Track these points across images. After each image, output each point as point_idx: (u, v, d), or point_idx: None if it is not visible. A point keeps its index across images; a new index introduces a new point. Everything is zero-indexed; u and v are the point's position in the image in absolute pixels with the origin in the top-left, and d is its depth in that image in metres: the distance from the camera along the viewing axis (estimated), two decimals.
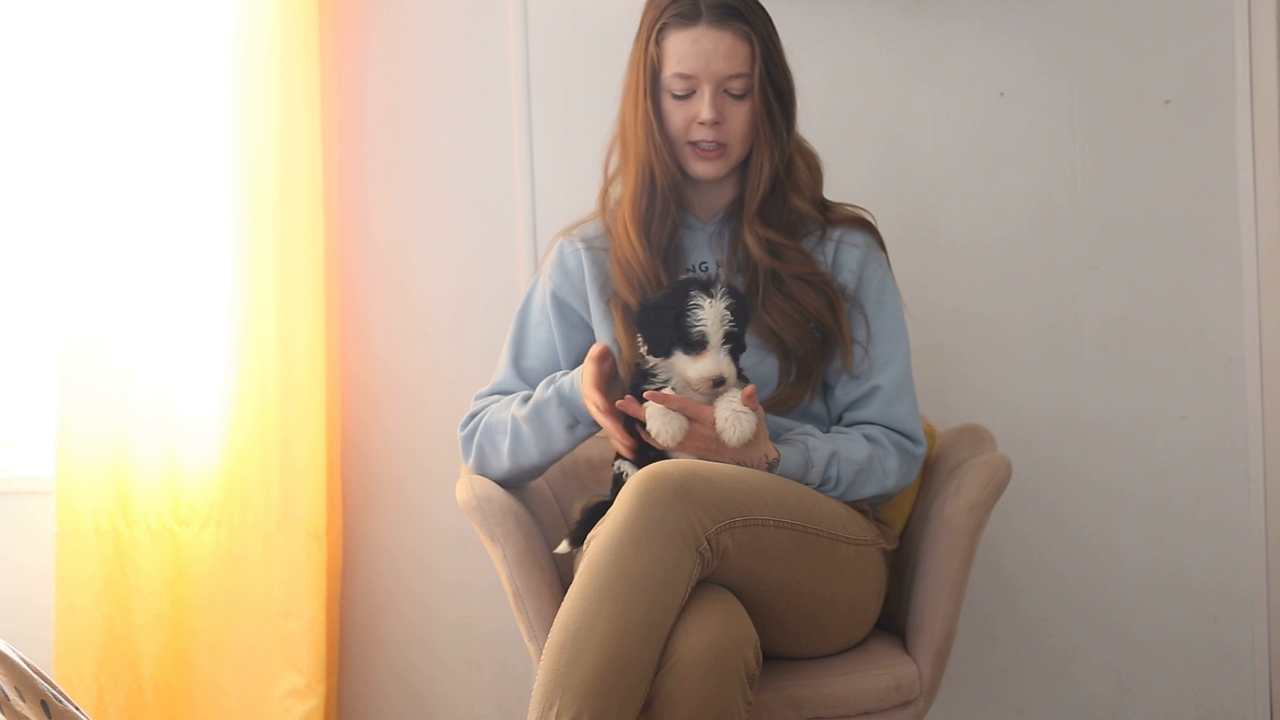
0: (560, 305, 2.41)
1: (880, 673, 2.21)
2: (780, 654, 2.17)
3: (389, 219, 2.92)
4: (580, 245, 2.41)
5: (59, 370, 2.86)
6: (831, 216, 2.38)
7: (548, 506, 2.47)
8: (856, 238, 2.37)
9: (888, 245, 2.41)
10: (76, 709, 1.94)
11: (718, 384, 2.13)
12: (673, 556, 1.97)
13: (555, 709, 1.90)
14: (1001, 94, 2.83)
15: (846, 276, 2.35)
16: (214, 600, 2.84)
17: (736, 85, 2.28)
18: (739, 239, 2.35)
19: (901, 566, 2.39)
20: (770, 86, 2.30)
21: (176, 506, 2.86)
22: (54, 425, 2.87)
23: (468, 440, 2.38)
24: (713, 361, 2.13)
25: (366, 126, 2.91)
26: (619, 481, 2.22)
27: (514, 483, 2.38)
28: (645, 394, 2.14)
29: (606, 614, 1.94)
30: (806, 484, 2.21)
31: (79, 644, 2.84)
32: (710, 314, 2.12)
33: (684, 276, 2.30)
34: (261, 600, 2.83)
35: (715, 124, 2.28)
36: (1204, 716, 2.85)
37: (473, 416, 2.39)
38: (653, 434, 2.13)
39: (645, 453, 2.18)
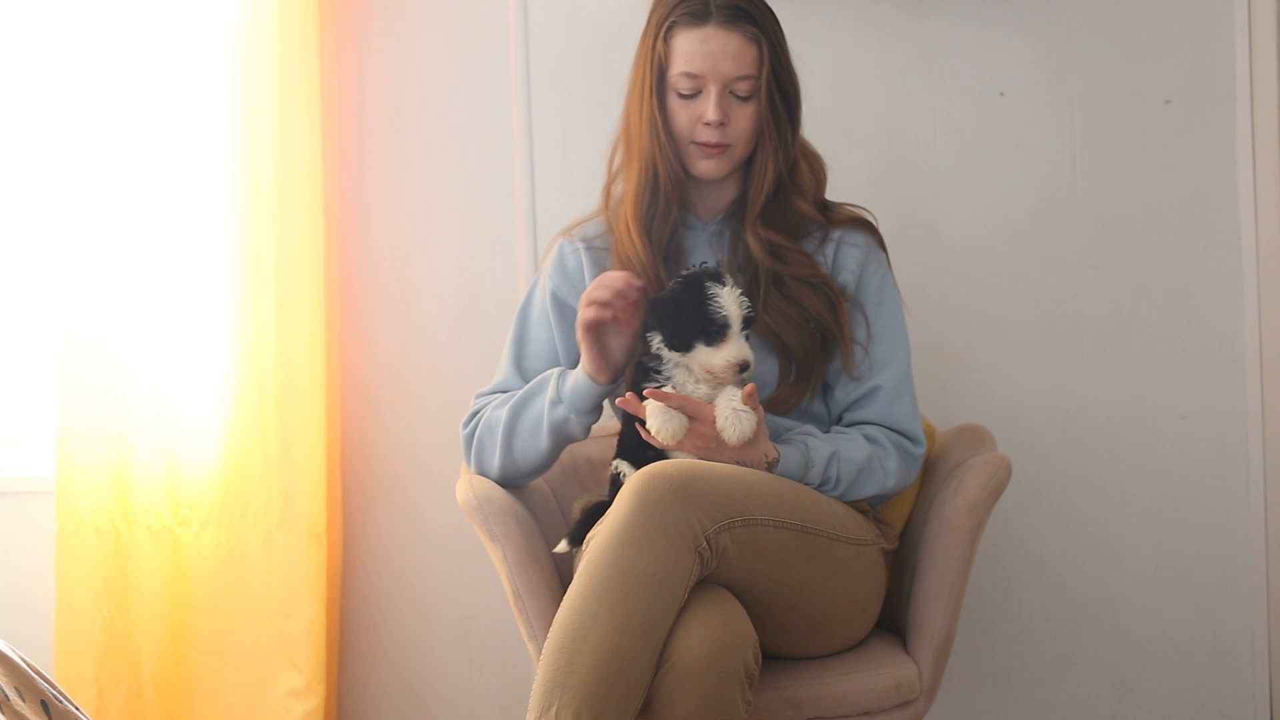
0: (560, 305, 2.41)
1: (880, 673, 2.21)
2: (780, 654, 2.17)
3: (389, 219, 2.92)
4: (580, 245, 2.41)
5: (59, 370, 2.86)
6: (832, 217, 2.38)
7: (548, 506, 2.47)
8: (857, 238, 2.37)
9: (888, 245, 2.41)
10: (76, 709, 1.94)
11: (743, 369, 2.13)
12: (672, 556, 1.97)
13: (555, 709, 1.90)
14: (1001, 94, 2.83)
15: (847, 277, 2.35)
16: (214, 600, 2.84)
17: (743, 87, 2.28)
18: (739, 240, 2.35)
19: (901, 566, 2.39)
20: (777, 89, 2.30)
21: (176, 506, 2.86)
22: (54, 425, 2.87)
23: (468, 439, 2.38)
24: (737, 347, 2.13)
25: (366, 126, 2.92)
26: (616, 481, 2.22)
27: (512, 481, 2.38)
28: (645, 391, 2.14)
29: (606, 614, 1.94)
30: (806, 484, 2.21)
31: (79, 644, 2.85)
32: (729, 300, 2.12)
33: (688, 271, 2.30)
34: (261, 600, 2.83)
35: (720, 125, 2.28)
36: (1204, 716, 2.85)
37: (474, 415, 2.40)
38: (653, 432, 2.13)
39: (644, 453, 2.18)
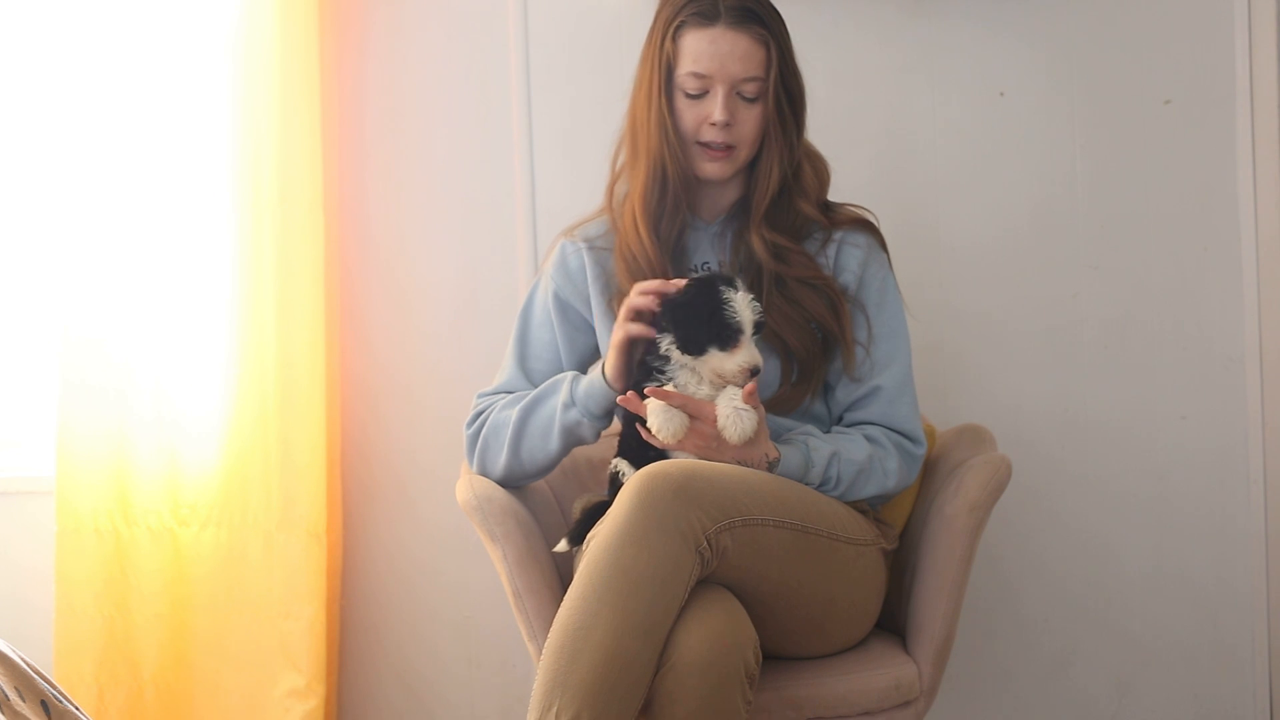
0: (562, 306, 2.41)
1: (880, 673, 2.21)
2: (780, 654, 2.17)
3: (389, 219, 2.92)
4: (582, 245, 2.41)
5: (59, 370, 2.86)
6: (834, 217, 2.37)
7: (548, 506, 2.47)
8: (858, 238, 2.37)
9: (888, 245, 2.41)
10: (76, 709, 1.94)
11: (754, 373, 2.13)
12: (672, 556, 1.97)
13: (555, 709, 1.90)
14: (1001, 94, 2.83)
15: (848, 277, 2.34)
16: (214, 600, 2.84)
17: (750, 89, 2.28)
18: (742, 240, 2.35)
19: (901, 566, 2.39)
20: (783, 91, 2.30)
21: (176, 506, 2.86)
22: (54, 425, 2.87)
23: (473, 438, 2.38)
24: (749, 352, 2.14)
25: (366, 126, 2.92)
26: (616, 481, 2.22)
27: (515, 482, 2.38)
28: (647, 390, 2.14)
29: (606, 614, 1.94)
30: (807, 484, 2.21)
31: (79, 644, 2.84)
32: (742, 305, 2.13)
33: (698, 274, 2.30)
34: (261, 600, 2.83)
35: (726, 126, 2.28)
36: (1204, 716, 2.85)
37: (478, 415, 2.39)
38: (654, 430, 2.13)
39: (645, 452, 2.18)
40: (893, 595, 2.36)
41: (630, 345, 2.23)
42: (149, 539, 2.85)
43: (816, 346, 2.30)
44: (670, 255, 2.34)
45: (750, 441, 2.14)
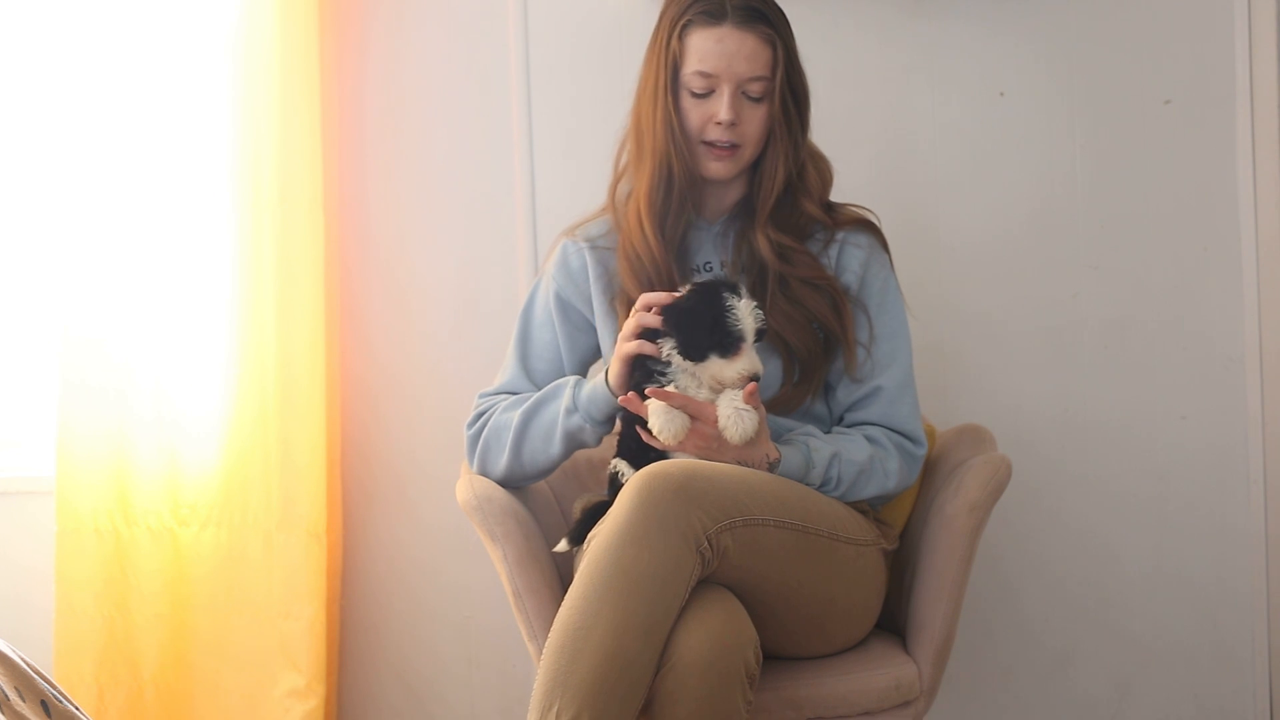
0: (564, 306, 2.41)
1: (880, 673, 2.21)
2: (780, 654, 2.17)
3: (389, 219, 2.92)
4: (584, 245, 2.41)
5: (59, 370, 2.86)
6: (836, 218, 2.37)
7: (548, 506, 2.47)
8: (860, 239, 2.36)
9: (889, 245, 2.41)
10: (76, 709, 1.94)
11: (754, 380, 2.13)
12: (673, 556, 1.97)
13: (555, 709, 1.91)
14: (1001, 94, 2.83)
15: (850, 278, 2.34)
16: (214, 600, 2.84)
17: (756, 88, 2.28)
18: (744, 240, 2.35)
19: (901, 566, 2.39)
20: (789, 91, 2.30)
21: (176, 506, 2.86)
22: (54, 425, 2.87)
23: (474, 439, 2.38)
24: (750, 360, 2.14)
25: (366, 126, 2.91)
26: (616, 481, 2.22)
27: (516, 483, 2.38)
28: (648, 390, 2.14)
29: (607, 614, 1.94)
30: (807, 485, 2.21)
31: (79, 644, 2.84)
32: (745, 313, 2.13)
33: (701, 279, 2.30)
34: (261, 600, 2.83)
35: (732, 125, 2.28)
36: (1204, 716, 2.85)
37: (480, 416, 2.39)
38: (655, 431, 2.13)
39: (645, 452, 2.18)
40: (893, 595, 2.36)
41: (636, 357, 2.22)
42: (149, 539, 2.85)
43: (818, 347, 2.30)
44: (675, 255, 2.33)
45: (751, 442, 2.14)
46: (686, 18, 2.28)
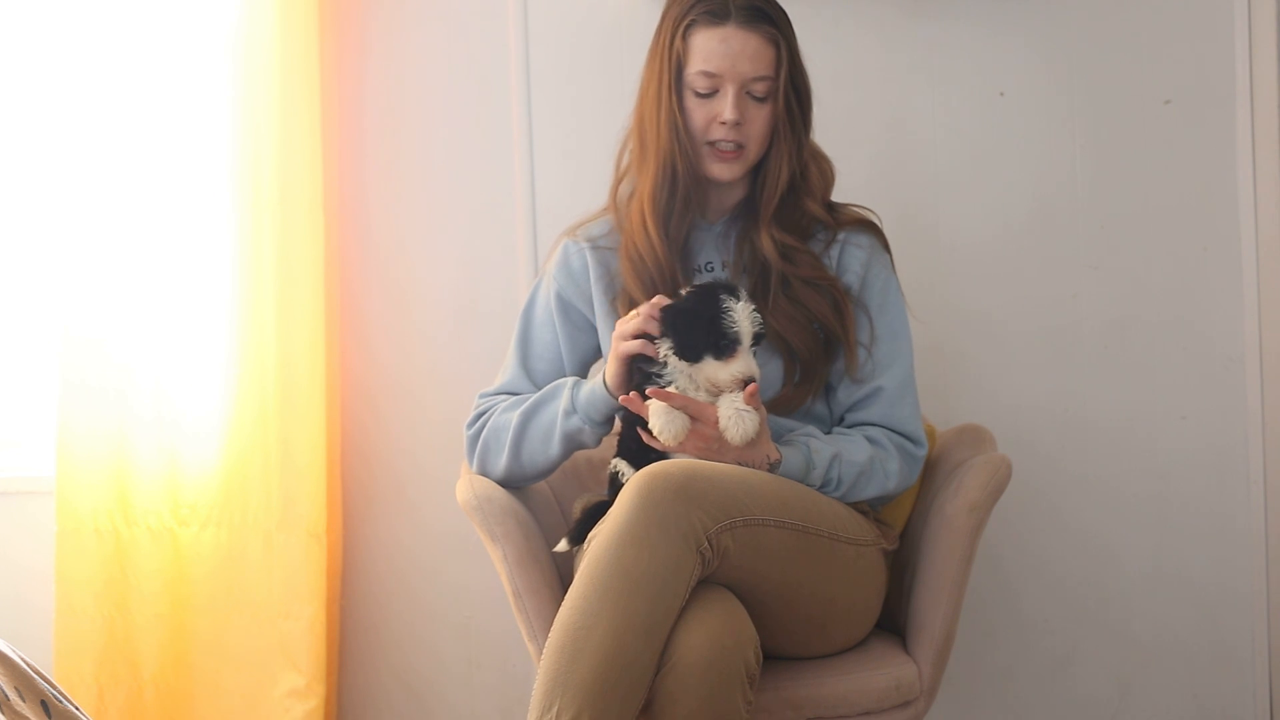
0: (565, 306, 2.41)
1: (880, 673, 2.21)
2: (780, 654, 2.17)
3: (389, 219, 2.92)
4: (585, 245, 2.41)
5: (59, 370, 2.86)
6: (838, 218, 2.37)
7: (548, 506, 2.47)
8: (861, 239, 2.36)
9: (889, 246, 2.41)
10: (76, 709, 1.94)
11: (748, 384, 2.13)
12: (673, 556, 1.97)
13: (555, 708, 1.91)
14: (1001, 94, 2.83)
15: (851, 278, 2.34)
16: (214, 600, 2.84)
17: (760, 88, 2.28)
18: (746, 240, 2.35)
19: (901, 567, 2.39)
20: (792, 91, 2.30)
21: (176, 506, 2.86)
22: (54, 425, 2.87)
23: (473, 439, 2.38)
24: (745, 362, 2.13)
25: (366, 126, 2.91)
26: (616, 481, 2.22)
27: (516, 483, 2.38)
28: (648, 391, 2.14)
29: (607, 614, 1.94)
30: (808, 485, 2.21)
31: (79, 644, 2.84)
32: (742, 316, 2.12)
33: (702, 280, 2.30)
34: (261, 600, 2.83)
35: (736, 125, 2.27)
36: (1204, 716, 2.85)
37: (480, 416, 2.39)
38: (655, 432, 2.13)
39: (645, 453, 2.18)
40: (893, 595, 2.36)
41: (632, 358, 2.22)
42: (149, 539, 2.85)
43: (819, 347, 2.30)
44: (679, 255, 2.33)
45: (752, 443, 2.14)
46: (690, 18, 2.28)
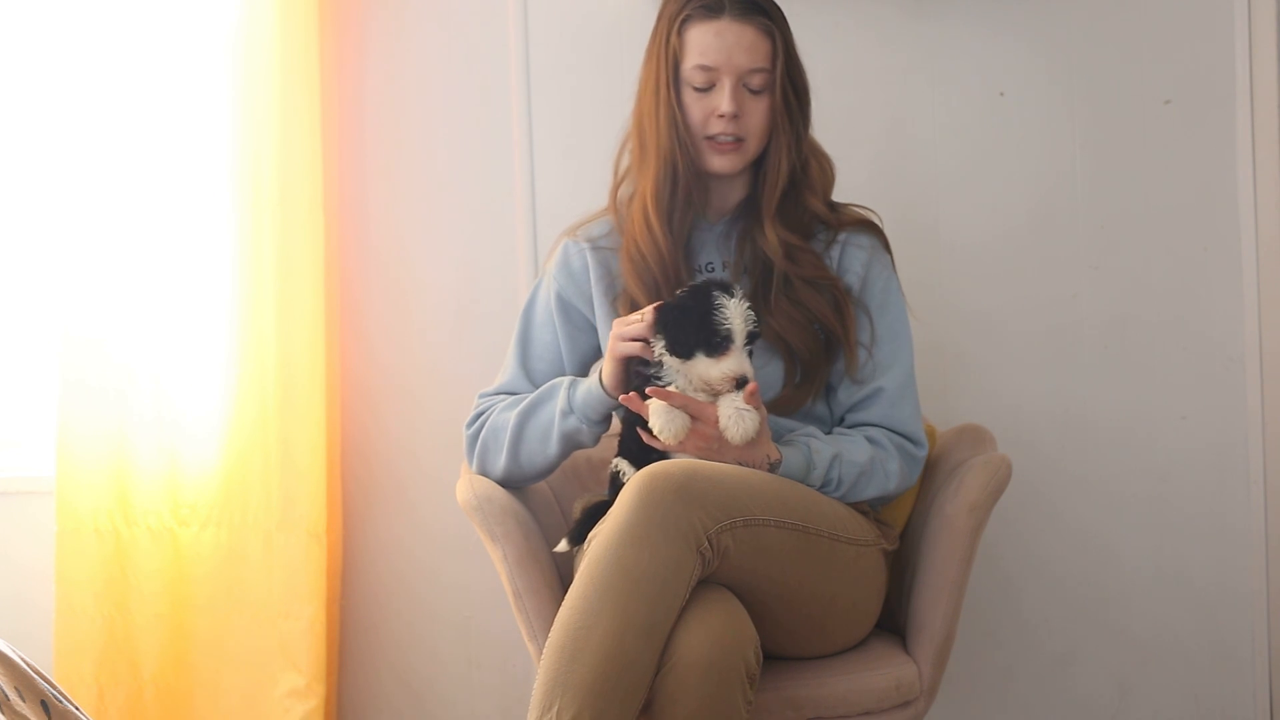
0: (565, 307, 2.41)
1: (880, 673, 2.21)
2: (780, 654, 2.17)
3: (389, 219, 2.92)
4: (585, 245, 2.41)
5: (59, 370, 2.86)
6: (839, 218, 2.37)
7: (548, 506, 2.47)
8: (862, 240, 2.36)
9: (890, 246, 2.41)
10: (76, 709, 1.94)
11: (740, 384, 2.13)
12: (674, 556, 1.97)
13: (555, 708, 1.90)
14: (1001, 94, 2.83)
15: (852, 279, 2.34)
16: (214, 600, 2.84)
17: (756, 80, 2.28)
18: (746, 240, 2.34)
19: (902, 567, 2.39)
20: (789, 83, 2.30)
21: (176, 506, 2.86)
22: (54, 425, 2.87)
23: (472, 440, 2.38)
24: (737, 361, 2.13)
25: (366, 126, 2.91)
26: (616, 481, 2.22)
27: (515, 483, 2.38)
28: (648, 390, 2.14)
29: (607, 613, 1.94)
30: (808, 485, 2.21)
31: (79, 644, 2.84)
32: (735, 314, 2.12)
33: (701, 279, 2.30)
34: (261, 600, 2.83)
35: (734, 118, 2.28)
36: (1204, 716, 2.85)
37: (479, 416, 2.39)
38: (655, 431, 2.13)
39: (645, 452, 2.18)
40: (893, 595, 2.37)
41: (629, 358, 2.22)
42: (149, 539, 2.85)
43: (820, 348, 2.30)
44: (682, 252, 2.33)
45: (752, 443, 2.14)
46: (685, 13, 2.29)
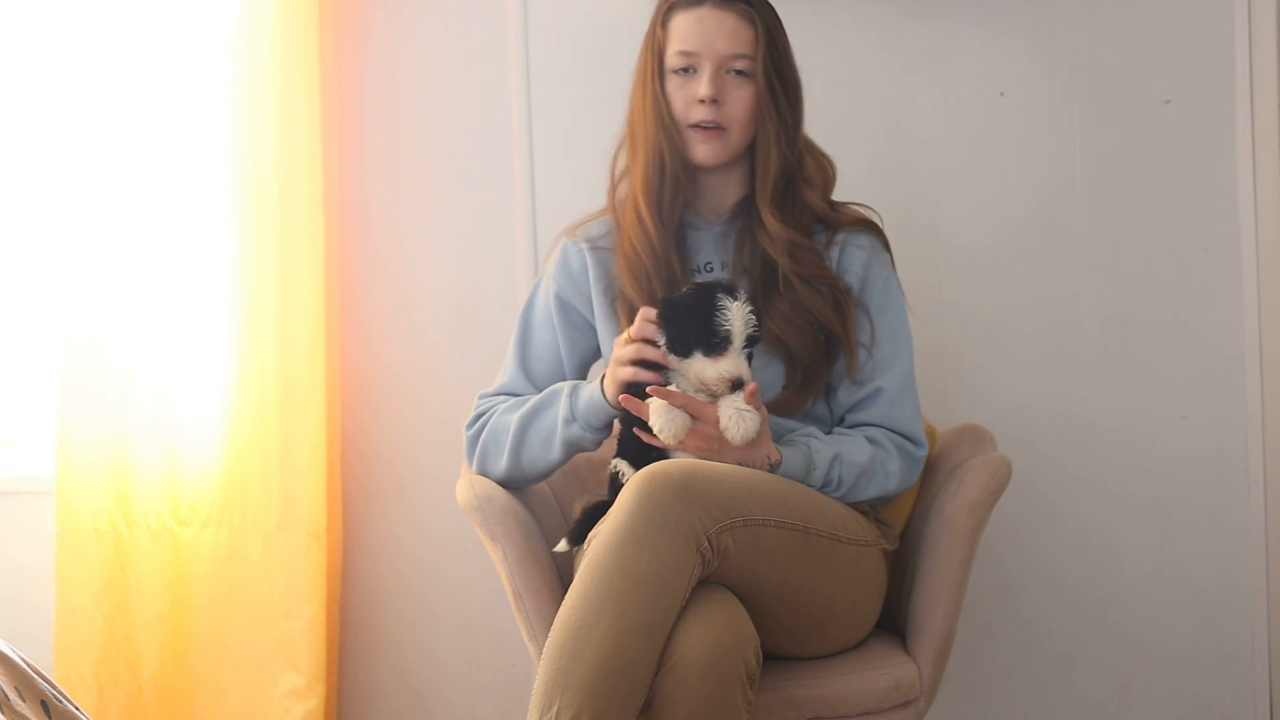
0: (564, 307, 2.41)
1: (880, 673, 2.21)
2: (780, 654, 2.17)
3: (389, 219, 2.92)
4: (584, 245, 2.41)
5: (59, 370, 2.86)
6: (838, 218, 2.37)
7: (548, 506, 2.47)
8: (862, 239, 2.36)
9: (889, 246, 2.41)
10: (76, 709, 1.94)
11: (736, 386, 2.13)
12: (674, 556, 1.97)
13: (555, 708, 1.90)
14: (1001, 94, 2.83)
15: (851, 279, 2.34)
16: (214, 600, 2.84)
17: (739, 66, 2.29)
18: (745, 240, 2.34)
19: (902, 566, 2.39)
20: (774, 72, 2.30)
21: (176, 506, 2.86)
22: (54, 425, 2.87)
23: (473, 440, 2.38)
24: (734, 362, 2.13)
25: (366, 126, 2.91)
26: (616, 481, 2.22)
27: (515, 485, 2.38)
28: (649, 389, 2.14)
29: (607, 613, 1.93)
30: (808, 485, 2.21)
31: (79, 644, 2.84)
32: (736, 316, 2.12)
33: (704, 279, 2.30)
34: (261, 600, 2.83)
35: (714, 102, 2.28)
36: (1204, 717, 2.85)
37: (479, 417, 2.39)
38: (656, 430, 2.13)
39: (645, 452, 2.18)
40: (893, 595, 2.36)
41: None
42: (149, 539, 2.85)
43: (820, 350, 2.30)
44: (675, 245, 2.33)
45: (752, 443, 2.14)
46: (670, 4, 2.32)
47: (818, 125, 2.42)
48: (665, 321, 2.16)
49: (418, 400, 2.92)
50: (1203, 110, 2.80)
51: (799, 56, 2.36)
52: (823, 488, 2.22)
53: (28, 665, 1.93)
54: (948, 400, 2.81)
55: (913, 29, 2.82)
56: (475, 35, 2.89)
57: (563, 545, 2.23)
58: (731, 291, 2.14)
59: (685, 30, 2.29)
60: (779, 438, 2.25)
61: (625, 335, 2.20)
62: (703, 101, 2.27)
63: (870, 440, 2.29)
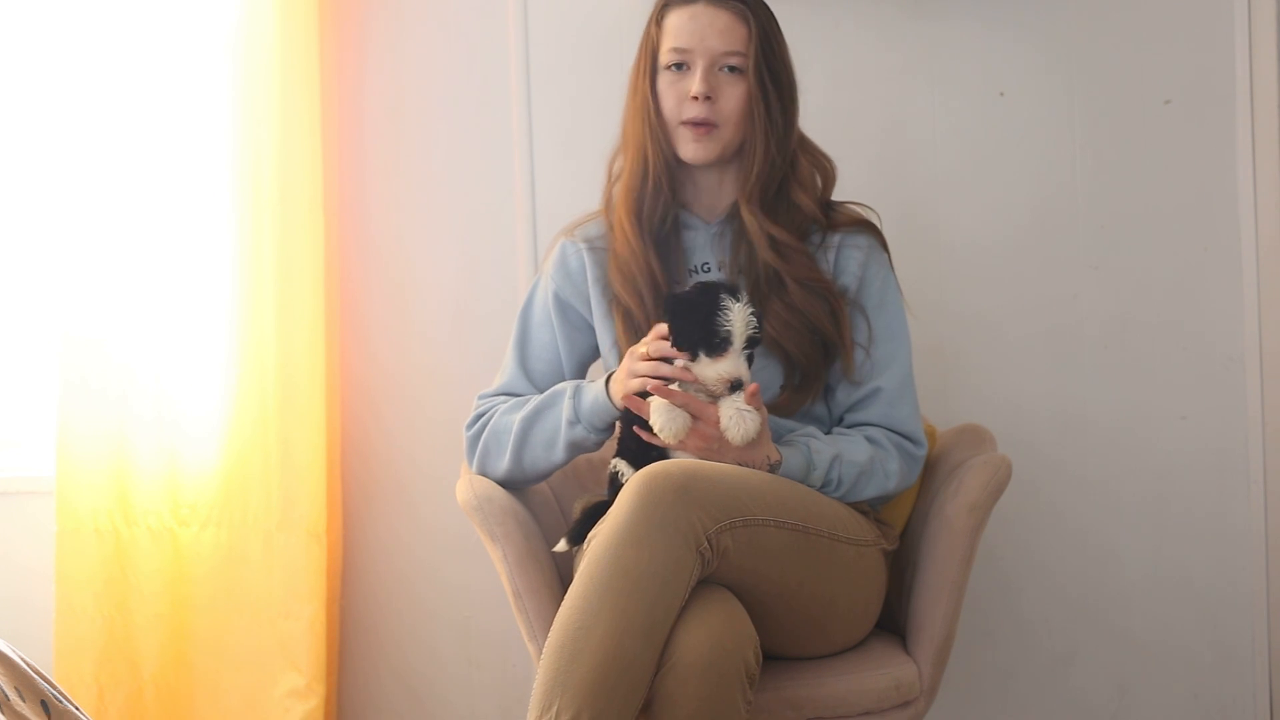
0: (562, 306, 2.41)
1: (880, 673, 2.21)
2: (780, 654, 2.17)
3: (389, 219, 2.92)
4: (582, 245, 2.41)
5: (59, 370, 2.86)
6: (835, 219, 2.37)
7: (548, 506, 2.47)
8: (858, 240, 2.36)
9: (887, 245, 2.40)
10: (76, 709, 1.94)
11: (735, 387, 2.13)
12: (673, 556, 1.97)
13: (555, 708, 1.90)
14: (1001, 94, 2.83)
15: (848, 279, 2.34)
16: (214, 600, 2.84)
17: (732, 62, 2.29)
18: (742, 240, 2.34)
19: (901, 567, 2.39)
20: (766, 71, 2.30)
21: (176, 506, 2.86)
22: (54, 425, 2.87)
23: (473, 441, 2.38)
24: (734, 363, 2.13)
25: (366, 126, 2.92)
26: (615, 481, 2.22)
27: (516, 485, 2.38)
28: (650, 388, 2.14)
29: (607, 613, 1.94)
30: (808, 486, 2.21)
31: (79, 644, 2.84)
32: (737, 317, 2.12)
33: (705, 278, 2.30)
34: (261, 600, 2.83)
35: (706, 99, 2.28)
36: (1204, 717, 2.85)
37: (479, 417, 2.39)
38: (656, 429, 2.13)
39: (645, 452, 2.18)
40: (893, 595, 2.36)
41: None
42: (149, 539, 2.85)
43: (817, 352, 2.30)
44: (664, 254, 2.33)
45: (752, 443, 2.14)
46: (665, 1, 2.33)
47: (818, 125, 2.42)
48: (671, 316, 2.16)
49: (418, 400, 2.92)
50: (1203, 110, 2.80)
51: (798, 56, 2.36)
52: (822, 488, 2.22)
53: (28, 665, 1.93)
54: (948, 400, 2.81)
55: (913, 29, 2.82)
56: (475, 35, 2.89)
57: (562, 545, 2.23)
58: (734, 292, 2.15)
59: (679, 27, 2.29)
60: (779, 438, 2.25)
61: (642, 349, 2.19)
62: (695, 98, 2.28)
63: (869, 440, 2.29)
